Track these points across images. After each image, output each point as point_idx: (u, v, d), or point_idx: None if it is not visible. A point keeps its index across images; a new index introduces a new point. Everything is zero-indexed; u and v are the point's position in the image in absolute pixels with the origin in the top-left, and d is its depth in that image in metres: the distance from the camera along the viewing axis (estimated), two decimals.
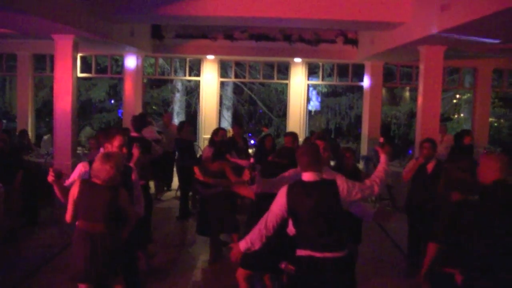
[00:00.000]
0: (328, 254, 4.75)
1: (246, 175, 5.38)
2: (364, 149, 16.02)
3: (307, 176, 4.91)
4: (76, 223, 5.27)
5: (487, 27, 8.25)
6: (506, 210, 4.55)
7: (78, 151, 12.41)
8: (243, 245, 4.96)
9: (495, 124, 22.46)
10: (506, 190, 4.66)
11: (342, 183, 4.88)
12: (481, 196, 4.78)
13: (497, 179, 4.67)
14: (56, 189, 5.30)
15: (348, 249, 4.90)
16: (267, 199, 5.33)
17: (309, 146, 5.25)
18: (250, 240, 4.95)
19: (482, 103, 16.19)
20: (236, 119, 22.68)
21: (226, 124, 21.48)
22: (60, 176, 5.25)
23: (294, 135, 8.99)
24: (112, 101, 23.69)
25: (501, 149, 16.57)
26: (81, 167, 5.63)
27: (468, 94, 20.07)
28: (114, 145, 5.77)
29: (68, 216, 5.28)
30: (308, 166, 4.90)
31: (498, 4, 6.73)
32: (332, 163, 7.50)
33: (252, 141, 16.26)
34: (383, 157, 5.22)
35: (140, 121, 9.08)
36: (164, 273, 7.65)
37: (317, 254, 4.78)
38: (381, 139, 5.50)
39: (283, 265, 5.32)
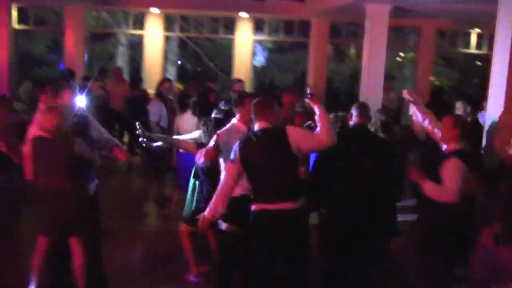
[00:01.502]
0: (281, 206, 4.78)
1: (210, 154, 5.28)
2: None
3: (259, 125, 4.92)
4: (38, 180, 5.20)
5: None
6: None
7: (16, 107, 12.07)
8: (208, 212, 4.94)
9: (437, 83, 22.83)
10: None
11: (293, 131, 4.85)
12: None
13: None
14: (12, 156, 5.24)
15: (303, 201, 4.92)
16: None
17: (264, 97, 5.21)
18: (214, 205, 4.94)
19: (424, 62, 16.45)
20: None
21: (172, 79, 21.21)
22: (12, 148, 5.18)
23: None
24: (53, 55, 23.06)
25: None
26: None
27: (412, 54, 20.31)
28: (64, 98, 5.63)
29: (28, 174, 5.20)
30: (261, 115, 4.91)
31: None
32: None
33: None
34: (317, 108, 5.02)
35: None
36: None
37: (270, 206, 4.80)
38: (308, 90, 5.39)
39: (225, 227, 5.38)
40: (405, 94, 5.94)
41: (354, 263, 5.79)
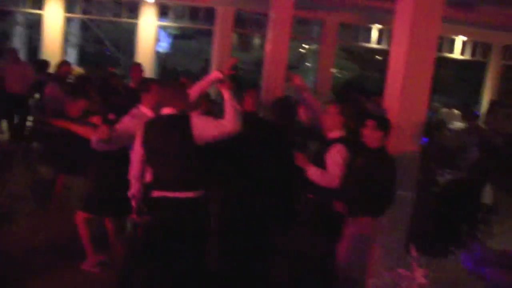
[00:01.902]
0: (179, 194, 4.77)
1: (104, 133, 5.15)
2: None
3: (165, 111, 4.89)
4: None
5: None
6: None
7: None
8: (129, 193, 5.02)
9: (339, 75, 23.35)
10: None
11: (197, 119, 4.82)
12: None
13: None
14: None
15: (203, 190, 4.93)
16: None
17: (173, 83, 5.23)
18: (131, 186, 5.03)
19: (326, 54, 16.76)
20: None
21: (72, 62, 20.61)
22: None
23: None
24: None
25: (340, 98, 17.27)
26: None
27: (315, 45, 20.64)
28: None
29: None
30: (169, 101, 4.87)
31: None
32: None
33: None
34: (226, 94, 5.05)
35: None
36: None
37: (169, 194, 4.79)
38: (220, 75, 5.33)
39: (133, 217, 5.32)
40: (296, 80, 6.06)
41: (251, 250, 5.88)
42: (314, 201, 5.59)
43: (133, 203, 5.12)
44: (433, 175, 8.19)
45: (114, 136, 5.15)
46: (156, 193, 4.87)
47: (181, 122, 4.78)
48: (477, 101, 19.48)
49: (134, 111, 5.63)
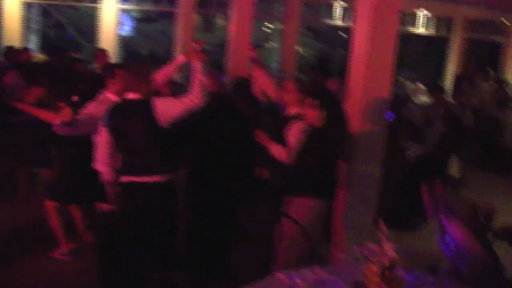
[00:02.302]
0: (147, 178, 4.75)
1: (67, 115, 5.06)
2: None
3: (129, 96, 4.87)
4: None
5: None
6: None
7: None
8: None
9: (304, 54, 23.35)
10: None
11: (159, 102, 4.79)
12: None
13: None
14: None
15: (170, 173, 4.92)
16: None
17: (137, 67, 5.12)
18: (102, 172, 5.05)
19: (290, 32, 16.70)
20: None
21: (33, 48, 20.25)
22: None
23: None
24: None
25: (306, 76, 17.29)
26: None
27: (278, 24, 20.59)
28: None
29: None
30: (133, 86, 4.84)
31: None
32: None
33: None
34: (198, 65, 5.01)
35: None
36: None
37: (137, 179, 4.80)
38: (195, 46, 5.26)
39: (102, 204, 5.28)
40: (251, 53, 6.01)
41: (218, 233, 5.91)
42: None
43: (107, 189, 5.09)
44: (401, 149, 8.24)
45: (78, 120, 5.08)
46: (124, 178, 4.85)
47: (145, 106, 4.75)
48: (442, 75, 19.63)
49: (99, 96, 5.58)
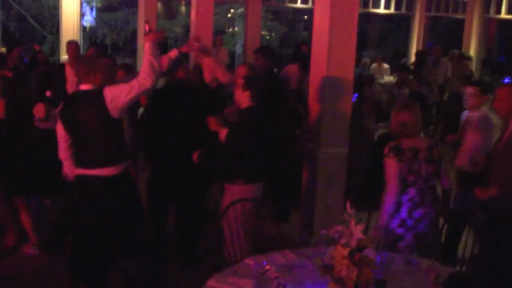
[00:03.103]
0: (99, 171, 4.69)
1: (40, 111, 4.97)
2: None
3: (81, 87, 4.77)
4: None
5: None
6: None
7: None
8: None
9: (267, 38, 23.34)
10: None
11: (109, 91, 4.66)
12: None
13: None
14: None
15: (124, 165, 4.86)
16: None
17: (88, 57, 5.06)
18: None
19: (253, 16, 16.64)
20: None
21: None
22: None
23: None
24: None
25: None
26: None
27: (242, 9, 20.53)
28: None
29: None
30: (84, 77, 4.73)
31: None
32: None
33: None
34: (147, 45, 4.83)
35: None
36: None
37: (90, 172, 4.72)
38: (146, 27, 5.16)
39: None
40: (196, 42, 5.87)
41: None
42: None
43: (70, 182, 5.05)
44: (365, 129, 8.30)
45: (53, 114, 5.01)
46: (78, 171, 4.81)
47: (95, 97, 4.64)
48: (405, 54, 19.77)
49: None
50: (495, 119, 6.05)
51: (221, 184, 5.52)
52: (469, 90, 6.26)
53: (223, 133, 5.04)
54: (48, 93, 5.40)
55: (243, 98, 5.12)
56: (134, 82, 4.68)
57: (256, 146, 5.02)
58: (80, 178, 4.80)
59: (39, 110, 4.91)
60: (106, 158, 4.72)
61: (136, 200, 5.10)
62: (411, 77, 11.72)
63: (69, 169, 5.01)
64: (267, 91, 5.59)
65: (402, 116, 4.82)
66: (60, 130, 4.89)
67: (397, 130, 4.87)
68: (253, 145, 5.00)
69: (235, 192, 5.02)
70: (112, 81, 5.14)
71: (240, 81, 5.11)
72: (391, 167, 4.74)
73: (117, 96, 4.62)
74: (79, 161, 4.79)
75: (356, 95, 8.54)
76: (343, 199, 6.36)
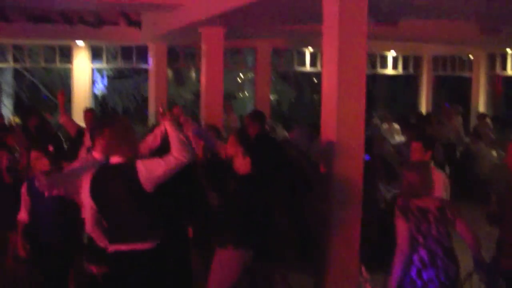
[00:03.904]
0: (136, 246, 4.58)
1: (44, 164, 4.98)
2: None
3: (112, 160, 4.68)
4: None
5: (261, 9, 8.54)
6: None
7: None
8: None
9: (277, 101, 23.55)
10: None
11: (142, 165, 4.57)
12: None
13: None
14: None
15: (160, 238, 4.72)
16: None
17: (118, 126, 4.88)
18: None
19: (263, 81, 16.86)
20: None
21: (7, 112, 20.21)
22: None
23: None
24: None
25: (282, 124, 17.38)
26: None
27: (251, 74, 20.79)
28: None
29: None
30: (114, 149, 4.67)
31: None
32: None
33: None
34: (168, 126, 4.82)
35: None
36: None
37: (124, 247, 4.59)
38: (160, 109, 5.21)
39: (92, 269, 5.18)
40: (174, 111, 5.83)
41: None
42: None
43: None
44: (379, 191, 8.27)
45: (60, 173, 5.00)
46: (112, 247, 4.66)
47: (128, 172, 4.56)
48: (414, 113, 19.85)
49: (86, 156, 5.50)
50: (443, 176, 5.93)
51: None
52: (413, 145, 6.07)
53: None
54: (50, 148, 5.40)
55: (243, 165, 5.10)
56: (170, 158, 4.58)
57: (251, 212, 4.97)
58: (114, 254, 4.64)
59: (43, 163, 4.92)
60: (141, 232, 4.62)
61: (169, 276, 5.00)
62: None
63: (100, 241, 4.87)
64: (266, 157, 5.58)
65: (410, 176, 4.83)
66: (88, 203, 4.83)
67: (406, 190, 4.87)
68: (247, 212, 4.95)
69: (226, 257, 4.98)
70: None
71: (240, 148, 5.11)
72: (401, 226, 4.73)
73: (152, 170, 4.54)
74: (113, 236, 4.67)
75: (367, 156, 8.55)
76: (358, 261, 6.31)
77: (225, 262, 4.84)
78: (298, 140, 9.40)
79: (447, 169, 12.14)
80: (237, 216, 4.91)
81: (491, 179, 12.03)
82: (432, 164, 5.91)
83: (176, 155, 4.56)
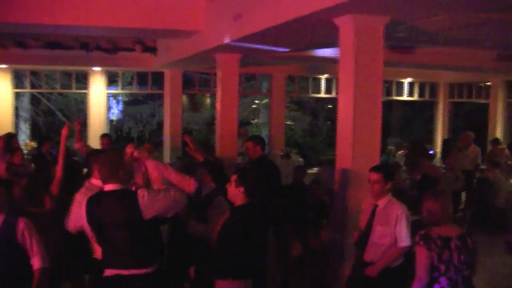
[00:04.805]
0: (135, 271, 4.52)
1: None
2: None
3: (107, 188, 4.61)
4: None
5: (276, 36, 8.56)
6: None
7: None
8: None
9: (292, 127, 23.54)
10: None
11: (143, 194, 4.52)
12: None
13: None
14: None
15: (158, 263, 4.69)
16: None
17: (108, 155, 4.87)
18: None
19: (278, 107, 16.87)
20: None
21: (24, 137, 20.32)
22: None
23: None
24: None
25: (297, 150, 17.36)
26: None
27: (266, 100, 20.82)
28: None
29: None
30: (108, 177, 4.60)
31: (286, 15, 6.98)
32: None
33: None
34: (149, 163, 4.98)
35: None
36: None
37: (124, 272, 4.53)
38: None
39: None
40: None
41: None
42: None
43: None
44: None
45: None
46: (109, 272, 4.60)
47: (128, 199, 4.54)
48: (430, 139, 19.79)
49: (85, 184, 5.49)
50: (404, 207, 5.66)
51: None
52: (373, 176, 5.60)
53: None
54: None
55: (237, 195, 4.91)
56: (172, 193, 4.65)
57: (247, 244, 4.82)
58: (112, 278, 4.58)
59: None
60: (139, 259, 4.57)
61: None
62: (432, 163, 11.66)
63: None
64: (264, 183, 5.42)
65: (429, 204, 4.76)
66: (86, 227, 4.81)
67: (426, 218, 4.81)
68: (243, 243, 4.81)
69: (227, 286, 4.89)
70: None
71: (233, 177, 4.94)
72: (421, 255, 4.66)
73: (153, 202, 4.53)
74: (110, 261, 4.60)
75: None
76: None
77: None
78: (326, 180, 9.27)
79: (463, 196, 12.05)
80: (233, 247, 4.76)
81: (508, 207, 11.93)
82: (390, 196, 5.61)
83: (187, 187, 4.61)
